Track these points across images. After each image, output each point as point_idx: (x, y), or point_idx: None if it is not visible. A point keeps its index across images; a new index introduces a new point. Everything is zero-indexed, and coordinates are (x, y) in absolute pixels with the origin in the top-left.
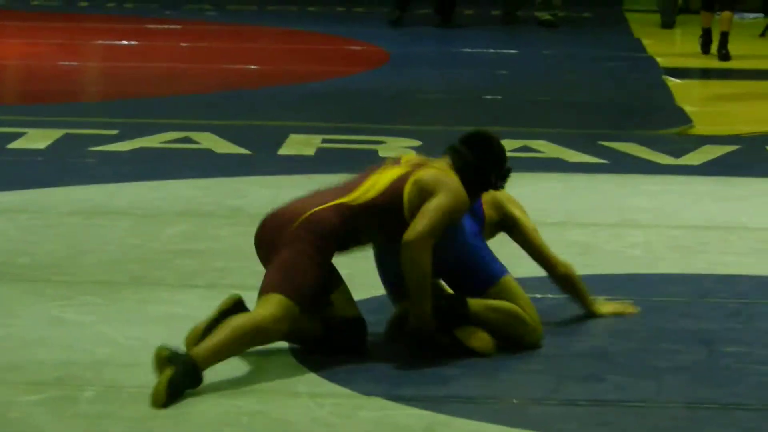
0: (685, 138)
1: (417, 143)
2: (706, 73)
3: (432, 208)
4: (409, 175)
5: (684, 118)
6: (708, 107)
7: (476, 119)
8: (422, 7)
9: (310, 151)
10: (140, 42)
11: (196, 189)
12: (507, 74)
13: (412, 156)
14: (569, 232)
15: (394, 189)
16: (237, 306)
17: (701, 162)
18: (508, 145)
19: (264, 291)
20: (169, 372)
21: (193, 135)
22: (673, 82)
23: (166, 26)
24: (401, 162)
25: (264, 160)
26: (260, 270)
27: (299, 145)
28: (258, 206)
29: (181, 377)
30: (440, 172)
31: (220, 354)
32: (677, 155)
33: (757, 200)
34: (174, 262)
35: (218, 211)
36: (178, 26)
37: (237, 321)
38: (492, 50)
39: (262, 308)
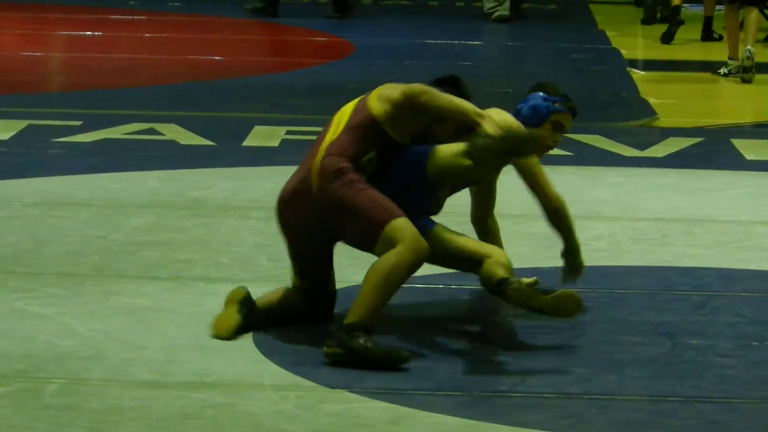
0: (650, 130)
1: None
2: (670, 65)
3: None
4: (368, 95)
5: (648, 111)
6: (672, 99)
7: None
8: None
9: (274, 143)
10: (104, 33)
11: (160, 180)
12: (471, 65)
13: None
14: (533, 224)
15: (360, 109)
16: (246, 299)
17: (665, 154)
18: None
19: (371, 243)
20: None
21: (157, 126)
22: (637, 74)
23: (130, 17)
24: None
25: (228, 152)
26: (222, 262)
27: (263, 136)
28: (221, 198)
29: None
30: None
31: (376, 306)
32: (641, 147)
33: (721, 193)
34: (137, 253)
35: (182, 203)
36: (143, 17)
37: (375, 271)
38: (456, 42)
39: (388, 250)
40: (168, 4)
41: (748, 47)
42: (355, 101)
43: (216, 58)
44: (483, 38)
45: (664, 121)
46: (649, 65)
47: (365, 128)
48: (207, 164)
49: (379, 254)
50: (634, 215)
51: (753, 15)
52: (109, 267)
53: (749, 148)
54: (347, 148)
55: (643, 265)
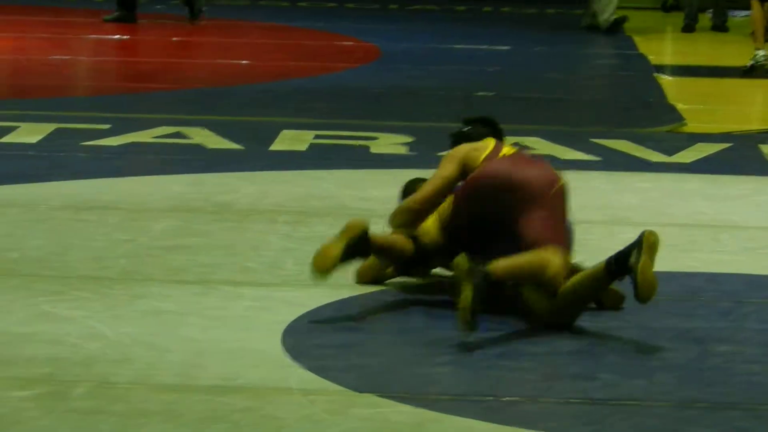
0: (677, 136)
1: (409, 139)
2: (698, 71)
3: None
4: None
5: (676, 116)
6: (700, 105)
7: (468, 115)
8: (413, 2)
9: (302, 147)
10: (131, 36)
11: (187, 184)
12: (499, 71)
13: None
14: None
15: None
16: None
17: (693, 160)
18: None
19: (549, 241)
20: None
21: (185, 130)
22: (665, 79)
23: (157, 20)
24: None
25: (255, 156)
26: (250, 266)
27: (291, 140)
28: (248, 202)
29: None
30: None
31: (512, 276)
32: (669, 153)
33: (748, 198)
34: (163, 257)
35: (208, 207)
36: (169, 20)
37: (535, 258)
38: (484, 46)
39: (556, 257)
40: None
41: None
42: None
43: (243, 62)
44: (509, 43)
45: (692, 126)
46: (677, 71)
47: None
48: (234, 168)
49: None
50: (661, 221)
51: None
52: (135, 270)
53: None
54: None
55: (669, 270)
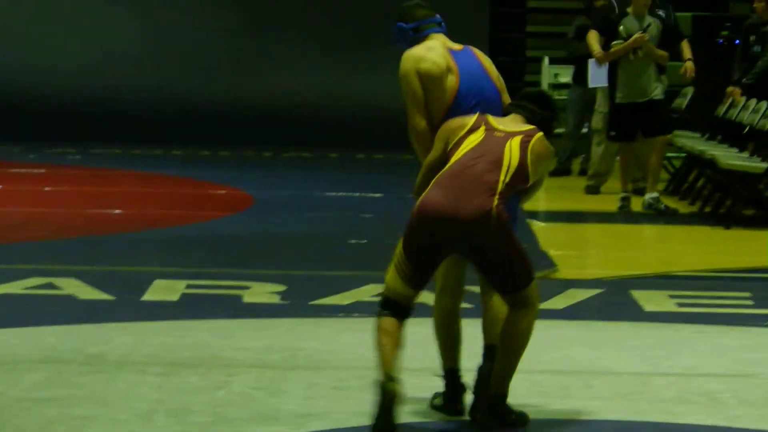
0: (549, 282)
1: (282, 288)
2: (569, 216)
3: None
4: (526, 144)
5: (547, 262)
6: (572, 251)
7: (342, 263)
8: (288, 150)
9: (174, 297)
10: (3, 186)
11: (58, 335)
12: (372, 217)
13: (496, 120)
14: (432, 379)
15: (522, 162)
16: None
17: (565, 306)
18: (372, 289)
19: (511, 288)
20: None
21: (56, 281)
22: (537, 225)
23: (29, 170)
24: (499, 128)
25: (127, 306)
26: (121, 418)
27: (163, 290)
28: (120, 353)
29: None
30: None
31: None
32: (541, 299)
33: (620, 344)
34: (33, 410)
35: (80, 358)
36: (42, 170)
37: (518, 335)
38: (357, 194)
39: (521, 303)
40: (67, 158)
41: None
42: (519, 138)
43: (116, 211)
44: (382, 190)
45: (564, 272)
46: (549, 216)
47: (519, 174)
48: (106, 319)
49: (509, 299)
50: (533, 368)
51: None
52: (5, 423)
53: (647, 300)
54: (508, 195)
55: (542, 419)
